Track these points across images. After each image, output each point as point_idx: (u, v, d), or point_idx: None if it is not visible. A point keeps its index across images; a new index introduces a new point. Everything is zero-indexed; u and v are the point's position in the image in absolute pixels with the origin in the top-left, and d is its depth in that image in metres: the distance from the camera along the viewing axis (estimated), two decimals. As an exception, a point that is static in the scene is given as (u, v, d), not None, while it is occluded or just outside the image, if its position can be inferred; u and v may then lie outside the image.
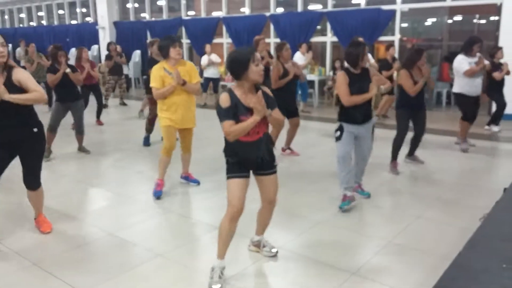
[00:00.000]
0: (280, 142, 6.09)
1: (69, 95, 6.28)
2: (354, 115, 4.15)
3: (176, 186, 5.02)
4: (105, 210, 4.49)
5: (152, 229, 4.03)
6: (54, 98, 6.50)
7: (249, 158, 2.89)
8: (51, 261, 3.34)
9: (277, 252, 3.33)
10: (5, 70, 3.32)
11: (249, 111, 2.74)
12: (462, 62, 6.24)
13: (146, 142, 7.09)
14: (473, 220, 3.65)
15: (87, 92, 8.23)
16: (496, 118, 7.70)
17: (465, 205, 4.36)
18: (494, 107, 7.84)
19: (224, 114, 2.72)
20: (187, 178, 5.10)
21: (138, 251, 3.52)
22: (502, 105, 7.42)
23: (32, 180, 3.65)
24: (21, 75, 3.37)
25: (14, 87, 3.29)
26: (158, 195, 4.65)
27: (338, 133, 4.20)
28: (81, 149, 6.64)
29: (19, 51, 11.84)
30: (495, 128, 7.72)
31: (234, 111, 2.73)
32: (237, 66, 2.74)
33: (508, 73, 7.04)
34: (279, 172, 2.98)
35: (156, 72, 4.48)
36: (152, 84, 4.50)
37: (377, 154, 5.46)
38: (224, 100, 2.73)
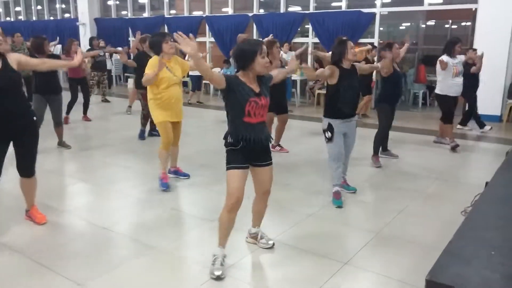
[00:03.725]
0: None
1: (50, 86, 6.12)
2: (341, 110, 4.29)
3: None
4: (96, 205, 4.52)
5: (144, 223, 4.06)
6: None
7: (258, 141, 2.94)
8: (46, 255, 3.35)
9: (273, 244, 3.48)
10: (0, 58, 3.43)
11: (257, 95, 2.89)
12: (442, 60, 6.36)
13: (142, 135, 7.07)
14: (454, 213, 3.92)
15: (75, 86, 8.16)
16: (466, 119, 7.97)
17: (445, 199, 4.61)
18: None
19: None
20: (177, 172, 5.17)
21: (132, 245, 3.59)
22: (474, 105, 7.73)
23: (29, 167, 3.74)
24: (17, 56, 3.59)
25: (12, 72, 3.45)
26: (166, 187, 4.75)
27: (329, 133, 4.31)
28: (62, 143, 6.51)
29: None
30: (466, 128, 8.00)
31: (231, 87, 2.84)
32: (244, 57, 2.86)
33: (479, 64, 7.22)
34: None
35: (154, 62, 4.51)
36: (146, 71, 4.48)
37: (359, 151, 5.69)
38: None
